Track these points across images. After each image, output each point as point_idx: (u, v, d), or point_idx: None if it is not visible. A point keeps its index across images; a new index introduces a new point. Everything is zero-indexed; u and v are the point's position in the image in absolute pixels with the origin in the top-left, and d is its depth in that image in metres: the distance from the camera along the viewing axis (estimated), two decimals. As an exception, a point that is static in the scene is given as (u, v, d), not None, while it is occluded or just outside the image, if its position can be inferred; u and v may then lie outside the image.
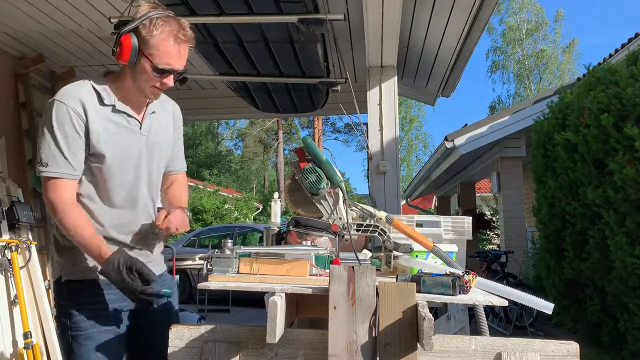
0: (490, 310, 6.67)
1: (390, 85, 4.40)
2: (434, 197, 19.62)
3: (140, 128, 1.73)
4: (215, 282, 1.48)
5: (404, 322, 1.30)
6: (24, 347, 3.27)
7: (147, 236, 1.78)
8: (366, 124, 4.52)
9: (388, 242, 1.76)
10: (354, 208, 1.84)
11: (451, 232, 2.20)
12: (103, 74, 1.73)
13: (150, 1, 1.70)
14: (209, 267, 1.58)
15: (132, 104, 1.71)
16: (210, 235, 11.19)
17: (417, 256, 1.75)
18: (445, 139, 8.35)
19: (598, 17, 54.99)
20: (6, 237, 3.46)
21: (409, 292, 1.32)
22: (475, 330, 2.18)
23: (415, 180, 15.17)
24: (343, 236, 1.79)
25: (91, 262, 1.68)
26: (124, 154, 1.69)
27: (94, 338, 1.66)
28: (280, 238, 1.84)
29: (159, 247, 1.88)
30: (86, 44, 4.37)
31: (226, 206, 19.31)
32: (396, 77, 4.42)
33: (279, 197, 2.06)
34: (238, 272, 1.56)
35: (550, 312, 1.47)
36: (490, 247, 14.06)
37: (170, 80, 1.66)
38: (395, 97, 4.41)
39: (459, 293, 1.37)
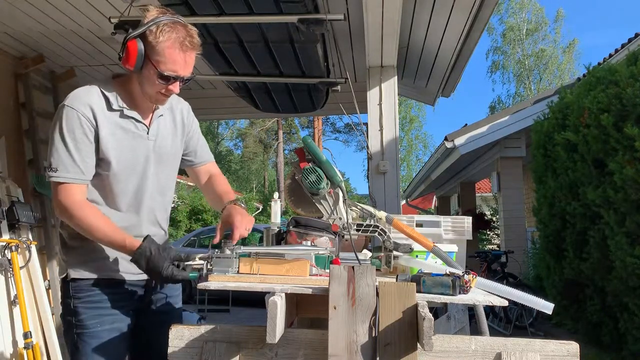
0: (490, 310, 6.67)
1: (390, 85, 4.39)
2: (434, 197, 19.62)
3: (147, 133, 1.73)
4: (215, 282, 1.48)
5: (404, 322, 1.30)
6: (24, 347, 3.28)
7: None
8: (366, 124, 4.52)
9: (388, 242, 1.76)
10: (354, 208, 1.84)
11: (451, 232, 2.20)
12: (111, 77, 1.73)
13: (158, 6, 1.69)
14: (209, 267, 1.57)
15: (140, 109, 1.72)
16: (210, 235, 11.17)
17: (417, 256, 1.75)
18: (445, 139, 8.36)
19: (598, 17, 55.05)
20: (6, 237, 3.46)
21: (409, 292, 1.32)
22: (475, 330, 2.18)
23: (415, 180, 15.17)
24: (343, 236, 1.78)
25: (98, 261, 1.69)
26: (131, 160, 1.69)
27: (99, 336, 1.67)
28: (280, 238, 1.83)
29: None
30: (86, 44, 4.38)
31: (226, 206, 19.23)
32: (396, 77, 4.42)
33: (279, 197, 2.06)
34: (238, 272, 1.56)
35: (550, 312, 1.46)
36: (490, 247, 14.07)
37: (176, 87, 1.66)
38: (395, 97, 4.41)
39: (459, 293, 1.37)
